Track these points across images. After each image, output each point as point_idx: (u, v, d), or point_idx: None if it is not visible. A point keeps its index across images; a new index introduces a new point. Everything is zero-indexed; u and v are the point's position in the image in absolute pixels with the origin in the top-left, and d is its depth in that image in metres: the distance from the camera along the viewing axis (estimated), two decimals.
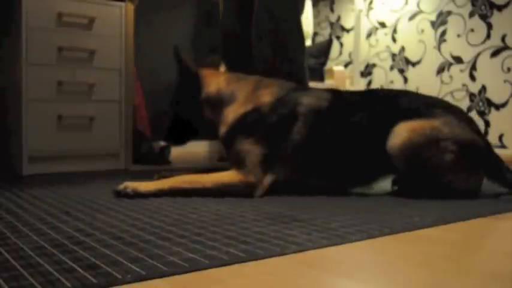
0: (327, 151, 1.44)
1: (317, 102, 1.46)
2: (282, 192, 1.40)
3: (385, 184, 1.48)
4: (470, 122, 1.47)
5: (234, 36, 2.01)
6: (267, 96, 1.46)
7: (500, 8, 2.98)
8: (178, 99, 1.57)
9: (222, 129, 1.48)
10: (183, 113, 1.56)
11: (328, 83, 3.23)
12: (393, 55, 3.56)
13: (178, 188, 1.35)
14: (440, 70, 3.29)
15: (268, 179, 1.40)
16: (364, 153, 1.43)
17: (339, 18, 3.96)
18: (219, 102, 1.50)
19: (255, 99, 1.46)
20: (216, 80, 1.53)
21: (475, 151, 1.41)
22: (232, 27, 2.01)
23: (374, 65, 3.68)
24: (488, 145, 1.46)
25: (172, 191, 1.34)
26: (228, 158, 1.46)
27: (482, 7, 3.05)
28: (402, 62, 3.50)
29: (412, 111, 1.42)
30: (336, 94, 1.51)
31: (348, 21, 3.89)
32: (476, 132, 1.45)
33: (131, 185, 1.33)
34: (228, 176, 1.38)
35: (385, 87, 3.55)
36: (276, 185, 1.41)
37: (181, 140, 1.61)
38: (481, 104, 3.08)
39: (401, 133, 1.38)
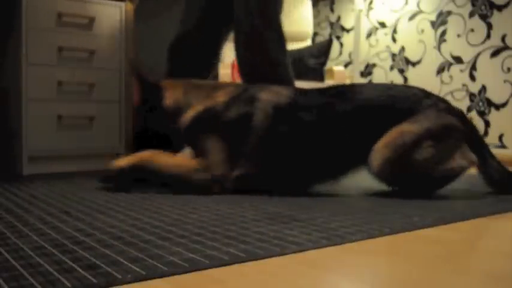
0: (288, 147, 1.44)
1: (276, 98, 1.45)
2: (269, 191, 1.40)
3: (360, 178, 1.49)
4: (437, 104, 1.44)
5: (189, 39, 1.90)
6: (221, 97, 1.48)
7: (500, 8, 2.98)
8: (144, 112, 1.58)
9: (181, 134, 1.51)
10: (151, 124, 1.57)
11: (328, 83, 3.23)
12: (393, 55, 3.56)
13: (145, 164, 1.41)
14: (440, 70, 3.29)
15: (233, 175, 1.42)
16: (328, 148, 1.42)
17: (339, 18, 3.96)
18: (178, 112, 1.51)
19: (209, 101, 1.48)
20: (173, 92, 1.54)
21: (450, 131, 1.40)
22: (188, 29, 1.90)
23: (374, 65, 3.68)
24: (462, 116, 1.45)
25: (141, 166, 1.41)
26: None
27: (482, 7, 3.05)
28: (402, 62, 3.50)
29: (377, 109, 1.41)
30: (297, 90, 1.51)
31: (348, 21, 3.89)
32: (446, 110, 1.43)
33: (114, 165, 1.43)
34: (193, 162, 1.42)
35: None
36: (242, 182, 1.43)
37: (147, 143, 1.61)
38: (481, 104, 3.08)
39: (376, 156, 1.37)
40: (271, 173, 1.47)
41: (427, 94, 1.47)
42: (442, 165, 1.38)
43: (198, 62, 1.85)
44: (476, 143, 1.46)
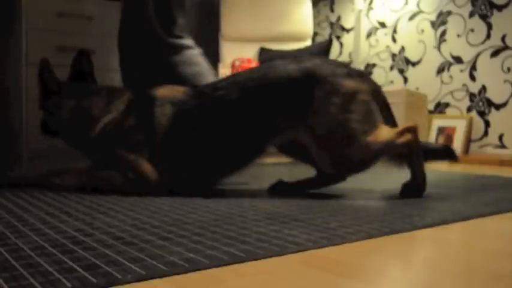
0: (193, 144, 1.40)
1: (172, 98, 1.43)
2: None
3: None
4: (335, 72, 1.36)
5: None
6: (119, 105, 1.46)
7: (500, 8, 2.98)
8: (44, 113, 1.56)
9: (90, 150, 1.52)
10: (51, 125, 1.56)
11: None
12: (393, 55, 3.56)
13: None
14: (440, 70, 3.29)
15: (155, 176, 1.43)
16: (235, 139, 1.39)
17: (339, 18, 3.96)
18: (78, 121, 1.49)
19: (109, 115, 1.46)
20: (69, 99, 1.50)
21: (356, 96, 1.33)
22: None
23: (374, 65, 3.68)
24: (362, 75, 1.39)
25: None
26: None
27: (482, 7, 3.05)
28: (402, 62, 3.50)
29: (275, 90, 1.36)
30: (194, 86, 1.47)
31: (348, 21, 3.89)
32: (345, 76, 1.35)
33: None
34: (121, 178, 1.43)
35: (385, 86, 3.55)
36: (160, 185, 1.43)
37: (53, 132, 1.59)
38: (481, 104, 3.08)
39: (318, 158, 1.36)
40: (181, 172, 1.43)
41: (321, 64, 1.38)
42: (370, 136, 1.32)
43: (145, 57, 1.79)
44: (382, 102, 1.40)
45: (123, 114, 1.45)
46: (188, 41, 1.77)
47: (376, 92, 1.39)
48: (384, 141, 1.34)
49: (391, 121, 1.43)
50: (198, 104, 1.41)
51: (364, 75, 1.41)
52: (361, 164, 1.37)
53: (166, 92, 1.45)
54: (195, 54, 1.75)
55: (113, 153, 1.43)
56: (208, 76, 1.72)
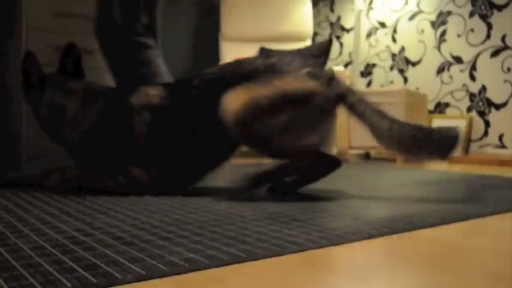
0: (173, 144, 1.40)
1: (147, 101, 1.43)
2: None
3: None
4: (298, 70, 1.36)
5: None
6: (96, 111, 1.45)
7: (500, 8, 2.98)
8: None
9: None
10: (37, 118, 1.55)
11: None
12: (393, 55, 3.56)
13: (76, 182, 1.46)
14: (440, 70, 3.29)
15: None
16: (211, 137, 1.39)
17: (339, 18, 3.96)
18: (56, 118, 1.48)
19: (81, 117, 1.45)
20: (50, 94, 1.48)
21: (310, 97, 1.32)
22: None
23: (374, 65, 3.69)
24: (329, 79, 1.36)
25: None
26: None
27: (482, 7, 3.05)
28: (402, 62, 3.50)
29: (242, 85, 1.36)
30: (170, 87, 1.46)
31: (348, 21, 3.90)
32: (308, 75, 1.34)
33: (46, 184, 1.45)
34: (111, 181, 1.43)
35: (385, 86, 3.56)
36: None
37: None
38: (481, 104, 3.08)
39: (227, 111, 1.33)
40: (165, 173, 1.43)
41: (287, 62, 1.38)
42: (294, 138, 1.30)
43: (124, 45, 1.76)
44: (352, 104, 1.34)
45: (103, 123, 1.44)
46: (149, 41, 1.76)
47: (342, 98, 1.35)
48: (290, 149, 1.32)
49: (370, 123, 1.33)
50: (174, 106, 1.41)
51: (333, 79, 1.37)
52: (264, 147, 1.36)
53: (142, 97, 1.44)
54: (154, 55, 1.75)
55: (99, 161, 1.44)
56: (165, 78, 1.72)
